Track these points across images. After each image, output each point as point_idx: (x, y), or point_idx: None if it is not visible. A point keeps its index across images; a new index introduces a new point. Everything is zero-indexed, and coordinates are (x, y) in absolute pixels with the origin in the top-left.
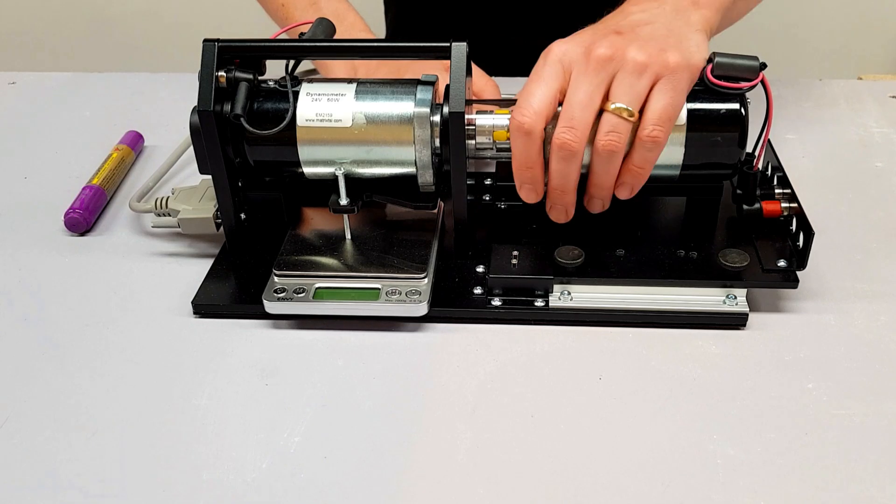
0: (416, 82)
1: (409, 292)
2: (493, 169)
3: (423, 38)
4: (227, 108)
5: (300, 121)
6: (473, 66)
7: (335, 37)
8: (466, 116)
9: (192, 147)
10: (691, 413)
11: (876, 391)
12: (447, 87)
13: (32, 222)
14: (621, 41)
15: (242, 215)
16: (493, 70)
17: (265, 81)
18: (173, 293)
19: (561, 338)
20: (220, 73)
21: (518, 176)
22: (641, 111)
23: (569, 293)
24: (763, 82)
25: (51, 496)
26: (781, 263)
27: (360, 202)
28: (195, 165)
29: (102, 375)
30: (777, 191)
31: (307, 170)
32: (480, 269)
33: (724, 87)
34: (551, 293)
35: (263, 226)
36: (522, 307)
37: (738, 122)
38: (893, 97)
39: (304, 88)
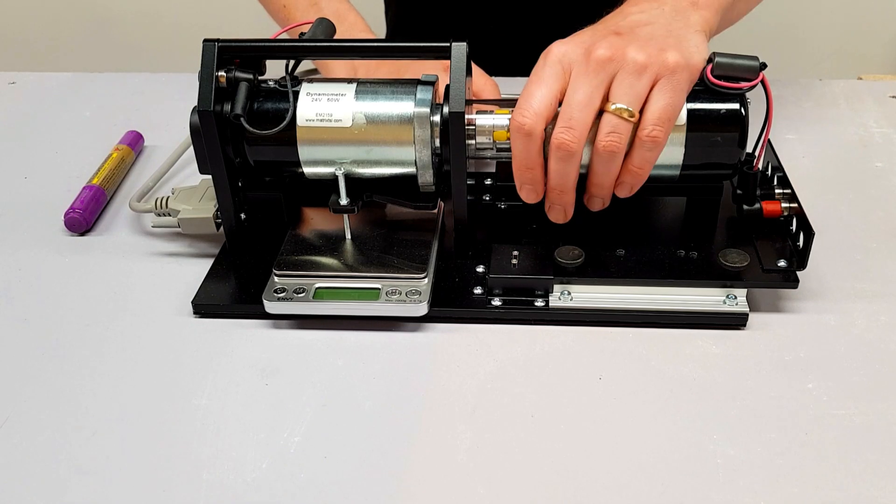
0: (416, 82)
1: (409, 292)
2: (493, 169)
3: (423, 38)
4: (227, 108)
5: (300, 121)
6: (473, 66)
7: (335, 37)
8: (466, 116)
9: (192, 147)
10: (691, 413)
11: (876, 391)
12: (447, 87)
13: (32, 222)
14: (621, 42)
15: (242, 215)
16: (493, 70)
17: (265, 81)
18: (173, 293)
19: (561, 338)
20: (220, 73)
21: (518, 176)
22: (641, 111)
23: (569, 293)
24: (763, 82)
25: (51, 496)
26: (781, 263)
27: (360, 202)
28: (195, 165)
29: (102, 375)
30: (777, 191)
31: (307, 170)
32: (480, 269)
33: (724, 87)
34: (551, 293)
35: (263, 226)
36: (522, 307)
37: (738, 122)
38: (893, 97)
39: (304, 88)
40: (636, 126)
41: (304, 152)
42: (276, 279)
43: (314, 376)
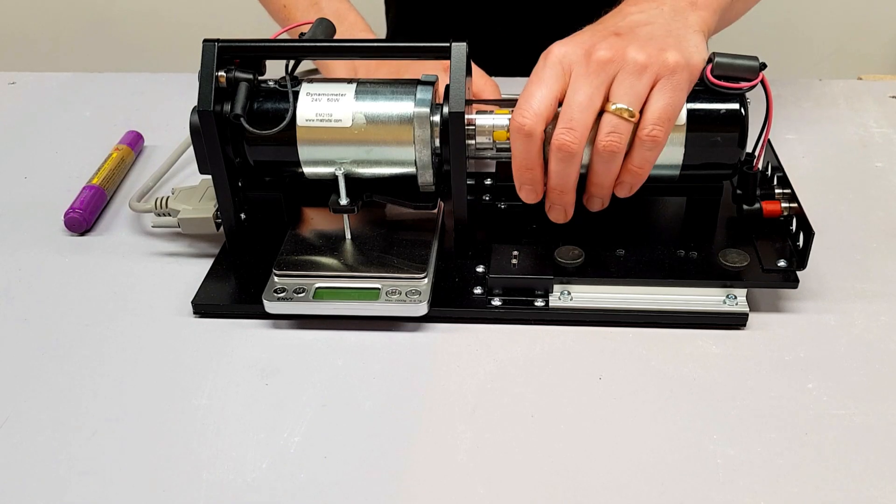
0: (416, 82)
1: (409, 292)
2: (493, 169)
3: (423, 38)
4: (227, 108)
5: (300, 121)
6: (473, 67)
7: (335, 37)
8: (466, 116)
9: (192, 147)
10: (691, 413)
11: (876, 391)
12: (447, 87)
13: (32, 222)
14: (621, 42)
15: (242, 215)
16: (493, 70)
17: (265, 81)
18: (173, 293)
19: (561, 338)
20: (220, 73)
21: (518, 177)
22: (641, 111)
23: (569, 293)
24: (763, 82)
25: (51, 496)
26: (781, 263)
27: (360, 202)
28: (195, 165)
29: (102, 375)
30: (777, 191)
31: (307, 170)
32: (480, 269)
33: (724, 87)
34: (551, 293)
35: (263, 226)
36: (522, 307)
37: (738, 122)
38: (893, 97)
39: (304, 88)
40: (636, 126)
41: (304, 152)
42: (276, 279)
43: (314, 376)
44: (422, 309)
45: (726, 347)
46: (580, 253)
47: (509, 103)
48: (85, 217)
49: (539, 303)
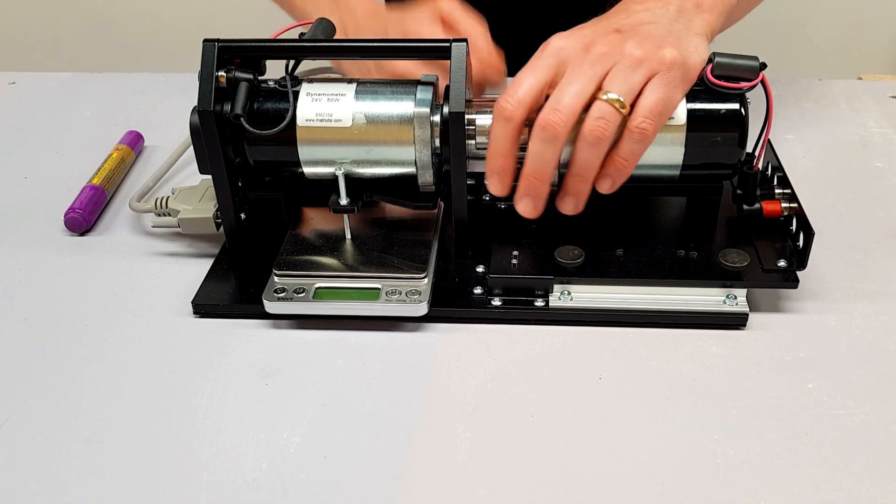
0: (416, 82)
1: (409, 292)
2: None
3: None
4: (227, 108)
5: (300, 121)
6: (488, 41)
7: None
8: (466, 116)
9: (192, 147)
10: (691, 413)
11: (876, 391)
12: (447, 87)
13: (32, 222)
14: (620, 38)
15: (242, 215)
16: None
17: (265, 81)
18: (173, 293)
19: (561, 338)
20: (220, 73)
21: (490, 164)
22: (633, 105)
23: (569, 293)
24: (763, 82)
25: (51, 496)
26: (781, 263)
27: (360, 202)
28: (195, 165)
29: (102, 375)
30: (777, 191)
31: (307, 170)
32: (480, 269)
33: (724, 87)
34: (551, 293)
35: (263, 226)
36: (522, 307)
37: (738, 122)
38: (893, 97)
39: (304, 88)
40: (627, 119)
41: (304, 152)
42: (276, 279)
43: (314, 376)
44: (422, 309)
45: (726, 347)
46: (580, 253)
47: None
48: (85, 217)
49: (539, 303)
